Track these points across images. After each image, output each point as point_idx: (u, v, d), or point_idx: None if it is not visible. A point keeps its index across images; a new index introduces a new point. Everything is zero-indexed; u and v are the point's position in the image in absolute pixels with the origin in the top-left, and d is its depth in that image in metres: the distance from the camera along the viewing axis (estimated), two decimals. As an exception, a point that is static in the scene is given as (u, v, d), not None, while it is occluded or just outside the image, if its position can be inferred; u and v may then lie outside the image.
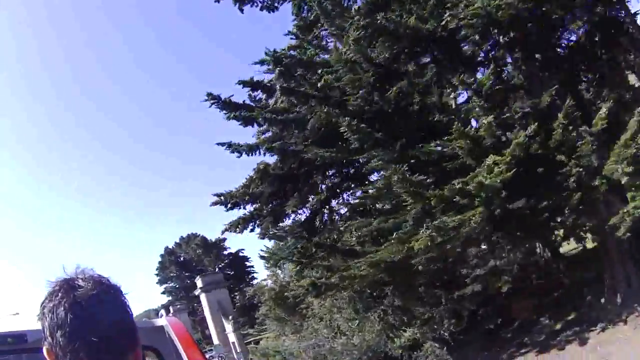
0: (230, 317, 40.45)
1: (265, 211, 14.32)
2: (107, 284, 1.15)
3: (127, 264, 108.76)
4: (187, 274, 77.33)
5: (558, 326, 11.63)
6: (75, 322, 1.05)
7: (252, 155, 13.32)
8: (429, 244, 8.36)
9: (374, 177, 13.05)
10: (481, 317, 14.34)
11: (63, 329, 1.05)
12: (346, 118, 9.23)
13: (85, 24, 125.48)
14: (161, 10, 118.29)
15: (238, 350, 38.14)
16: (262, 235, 14.43)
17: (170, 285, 79.86)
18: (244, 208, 14.31)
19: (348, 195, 14.58)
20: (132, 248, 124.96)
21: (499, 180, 8.30)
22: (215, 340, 43.22)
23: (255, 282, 79.51)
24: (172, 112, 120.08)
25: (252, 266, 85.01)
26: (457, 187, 8.57)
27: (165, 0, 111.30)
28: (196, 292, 45.73)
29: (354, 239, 11.28)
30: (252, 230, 15.15)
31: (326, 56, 12.76)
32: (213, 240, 77.60)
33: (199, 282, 44.39)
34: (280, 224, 13.65)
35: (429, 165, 10.46)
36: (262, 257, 56.90)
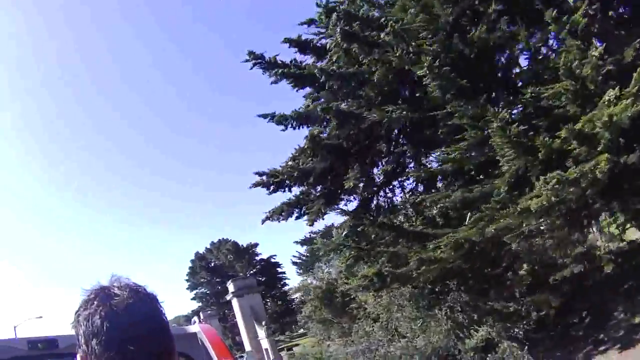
0: (263, 323, 38.85)
1: (313, 195, 12.56)
2: (143, 293, 1.14)
3: (156, 269, 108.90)
4: (217, 280, 76.03)
5: (637, 319, 9.97)
6: (111, 330, 1.04)
7: (299, 127, 11.58)
8: (552, 198, 6.41)
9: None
10: (562, 310, 12.24)
11: (99, 337, 1.04)
12: (427, 57, 7.40)
13: (100, 25, 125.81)
14: (172, 9, 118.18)
15: (272, 357, 36.46)
16: (312, 222, 12.63)
17: (200, 291, 78.81)
18: (289, 190, 12.52)
19: (408, 179, 12.71)
20: (160, 254, 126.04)
21: (629, 114, 6.37)
22: (247, 347, 41.70)
23: (287, 288, 78.42)
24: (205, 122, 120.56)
25: (284, 272, 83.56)
26: (575, 130, 6.63)
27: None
28: (228, 297, 44.25)
29: (431, 213, 9.36)
30: (298, 217, 13.38)
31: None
32: (245, 245, 76.45)
33: (230, 287, 42.94)
34: (334, 207, 11.78)
35: (520, 121, 8.59)
36: (294, 263, 54.93)
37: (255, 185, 12.29)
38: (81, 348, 1.07)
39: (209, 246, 79.07)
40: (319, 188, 12.47)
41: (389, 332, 14.71)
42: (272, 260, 78.14)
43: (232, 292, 41.31)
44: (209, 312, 69.40)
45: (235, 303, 41.95)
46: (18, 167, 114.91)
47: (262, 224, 12.57)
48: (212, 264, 77.92)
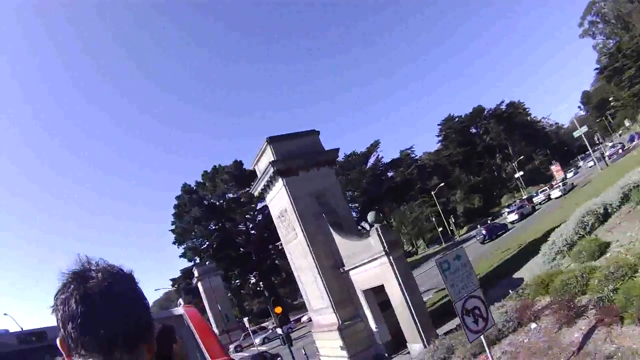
0: (373, 219, 15.66)
1: None
2: (119, 274, 1.06)
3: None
4: (214, 225, 51.73)
5: None
6: (86, 314, 0.98)
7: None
8: None
9: None
10: None
11: (74, 321, 0.99)
12: None
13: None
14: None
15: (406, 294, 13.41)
16: None
17: (191, 242, 53.60)
18: None
19: None
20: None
21: None
22: (316, 299, 18.82)
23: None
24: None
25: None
26: None
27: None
28: (255, 191, 20.40)
29: None
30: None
31: None
32: (250, 169, 52.54)
33: (264, 160, 19.51)
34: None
35: None
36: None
37: None
38: (60, 332, 1.02)
39: (200, 179, 54.03)
40: None
41: None
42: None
43: (274, 165, 18.02)
44: (207, 264, 45.52)
45: (281, 194, 18.73)
46: None
47: None
48: (207, 202, 53.35)
